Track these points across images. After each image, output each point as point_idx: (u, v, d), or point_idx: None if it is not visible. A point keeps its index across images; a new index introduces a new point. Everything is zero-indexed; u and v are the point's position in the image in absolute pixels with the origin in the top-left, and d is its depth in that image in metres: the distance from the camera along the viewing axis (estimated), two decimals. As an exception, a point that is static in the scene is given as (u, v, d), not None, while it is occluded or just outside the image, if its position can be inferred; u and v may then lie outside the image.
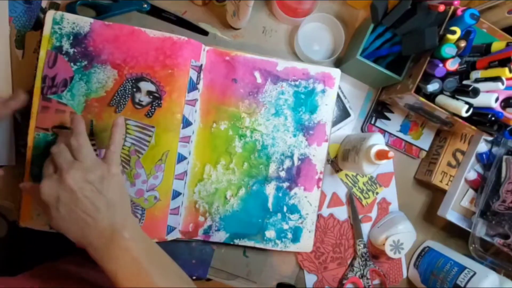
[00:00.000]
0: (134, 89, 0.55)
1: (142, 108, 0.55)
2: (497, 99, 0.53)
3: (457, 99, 0.54)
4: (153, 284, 0.42)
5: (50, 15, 0.53)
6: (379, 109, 0.68)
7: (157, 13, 0.61)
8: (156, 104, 0.55)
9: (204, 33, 0.63)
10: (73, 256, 0.61)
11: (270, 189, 0.61)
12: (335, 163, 0.67)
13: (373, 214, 0.69)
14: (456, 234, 0.72)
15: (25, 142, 0.54)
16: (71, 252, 0.61)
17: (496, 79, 0.52)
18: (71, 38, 0.54)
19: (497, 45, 0.54)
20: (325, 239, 0.67)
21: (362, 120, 0.68)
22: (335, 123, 0.66)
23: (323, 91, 0.62)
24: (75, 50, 0.54)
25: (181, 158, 0.57)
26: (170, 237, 0.57)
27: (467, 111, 0.53)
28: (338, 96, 0.65)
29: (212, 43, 0.62)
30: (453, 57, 0.53)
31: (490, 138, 0.66)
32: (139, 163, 0.55)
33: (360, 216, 0.68)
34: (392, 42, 0.60)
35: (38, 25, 0.58)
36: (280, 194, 0.61)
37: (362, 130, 0.68)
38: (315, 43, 0.66)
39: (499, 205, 0.63)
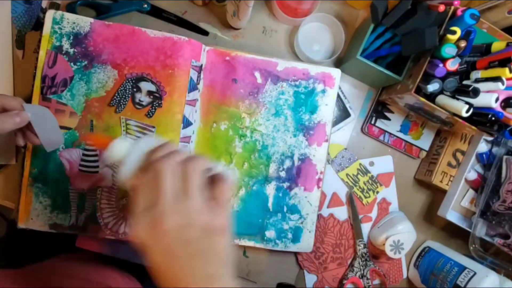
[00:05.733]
0: (135, 89, 0.55)
1: (143, 108, 0.55)
2: (497, 99, 0.53)
3: (457, 99, 0.54)
4: None
5: (50, 14, 0.53)
6: (379, 109, 0.68)
7: (157, 13, 0.61)
8: (157, 104, 0.55)
9: (204, 33, 0.63)
10: (58, 258, 0.60)
11: (270, 189, 0.61)
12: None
13: (373, 214, 0.69)
14: (456, 234, 0.72)
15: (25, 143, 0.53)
16: (70, 252, 0.61)
17: (496, 79, 0.52)
18: (71, 38, 0.54)
19: (497, 45, 0.54)
20: (325, 239, 0.67)
21: (362, 120, 0.68)
22: (335, 123, 0.66)
23: (323, 91, 0.62)
24: (75, 50, 0.54)
25: (181, 158, 0.57)
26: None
27: (467, 111, 0.53)
28: (338, 96, 0.65)
29: (212, 43, 0.62)
30: (453, 57, 0.53)
31: (490, 138, 0.66)
32: (139, 163, 0.55)
33: (360, 216, 0.68)
34: (392, 42, 0.60)
35: (38, 25, 0.58)
36: (280, 194, 0.61)
37: (362, 130, 0.68)
38: (315, 43, 0.66)
39: (499, 205, 0.63)
